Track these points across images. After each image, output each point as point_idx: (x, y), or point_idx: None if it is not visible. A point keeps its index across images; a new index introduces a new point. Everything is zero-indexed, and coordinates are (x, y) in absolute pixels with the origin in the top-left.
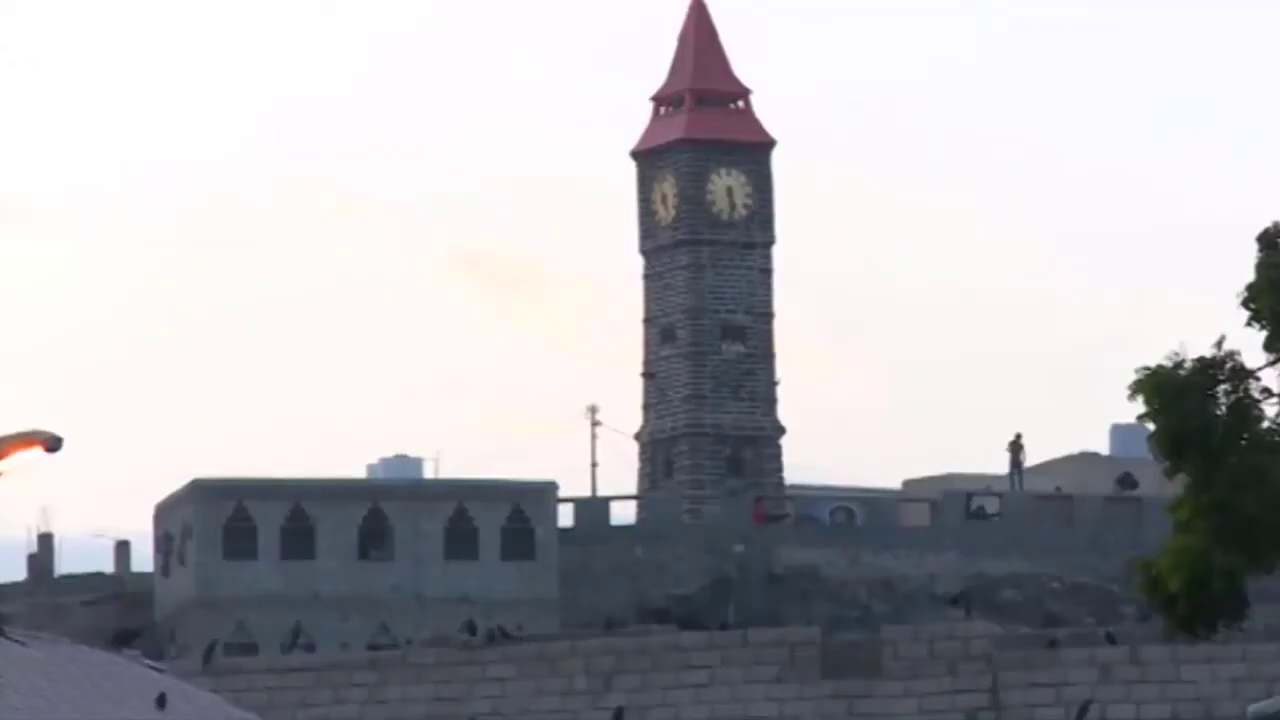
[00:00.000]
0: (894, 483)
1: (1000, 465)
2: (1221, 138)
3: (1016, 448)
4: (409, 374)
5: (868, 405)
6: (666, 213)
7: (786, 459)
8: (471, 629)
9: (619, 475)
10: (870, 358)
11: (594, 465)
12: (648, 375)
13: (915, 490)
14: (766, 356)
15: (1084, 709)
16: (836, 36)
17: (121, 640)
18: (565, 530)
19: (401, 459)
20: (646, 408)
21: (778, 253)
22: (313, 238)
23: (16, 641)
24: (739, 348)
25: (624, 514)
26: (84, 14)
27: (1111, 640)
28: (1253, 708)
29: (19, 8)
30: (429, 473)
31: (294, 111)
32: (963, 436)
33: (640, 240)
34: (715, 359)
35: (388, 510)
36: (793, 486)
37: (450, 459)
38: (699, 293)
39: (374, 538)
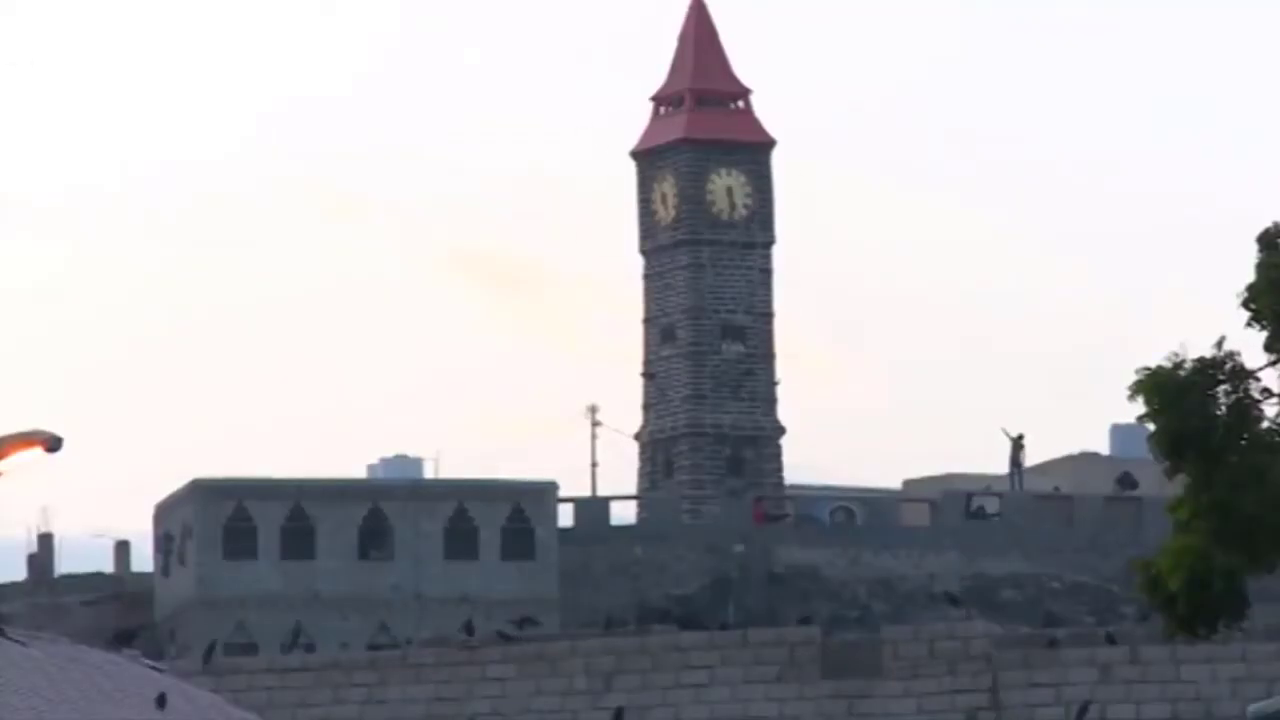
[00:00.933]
0: (894, 483)
1: (1000, 465)
2: (1221, 138)
3: (1017, 447)
4: (409, 374)
5: (868, 405)
6: (666, 213)
7: (786, 459)
8: (470, 629)
9: (619, 475)
10: (870, 358)
11: (594, 465)
12: (648, 375)
13: (915, 490)
14: (766, 356)
15: (1084, 709)
16: (836, 36)
17: (121, 640)
18: (565, 530)
19: (401, 459)
20: (646, 408)
21: (778, 253)
22: (313, 238)
23: (16, 641)
24: (739, 348)
25: (624, 514)
26: (84, 14)
27: (1111, 640)
28: (1253, 708)
29: (19, 8)
30: (429, 473)
31: (294, 111)
32: (963, 436)
33: (640, 240)
34: (715, 359)
35: (388, 510)
36: (793, 486)
37: (450, 459)
38: (699, 293)
39: (374, 538)
